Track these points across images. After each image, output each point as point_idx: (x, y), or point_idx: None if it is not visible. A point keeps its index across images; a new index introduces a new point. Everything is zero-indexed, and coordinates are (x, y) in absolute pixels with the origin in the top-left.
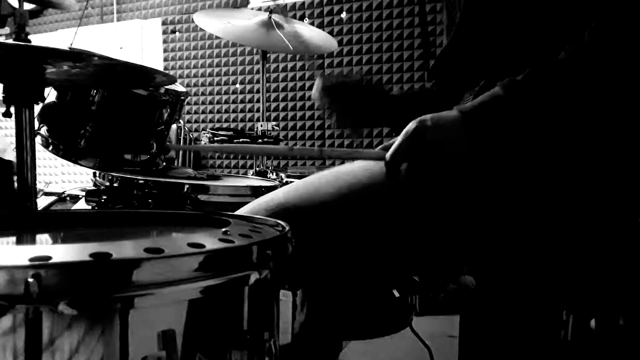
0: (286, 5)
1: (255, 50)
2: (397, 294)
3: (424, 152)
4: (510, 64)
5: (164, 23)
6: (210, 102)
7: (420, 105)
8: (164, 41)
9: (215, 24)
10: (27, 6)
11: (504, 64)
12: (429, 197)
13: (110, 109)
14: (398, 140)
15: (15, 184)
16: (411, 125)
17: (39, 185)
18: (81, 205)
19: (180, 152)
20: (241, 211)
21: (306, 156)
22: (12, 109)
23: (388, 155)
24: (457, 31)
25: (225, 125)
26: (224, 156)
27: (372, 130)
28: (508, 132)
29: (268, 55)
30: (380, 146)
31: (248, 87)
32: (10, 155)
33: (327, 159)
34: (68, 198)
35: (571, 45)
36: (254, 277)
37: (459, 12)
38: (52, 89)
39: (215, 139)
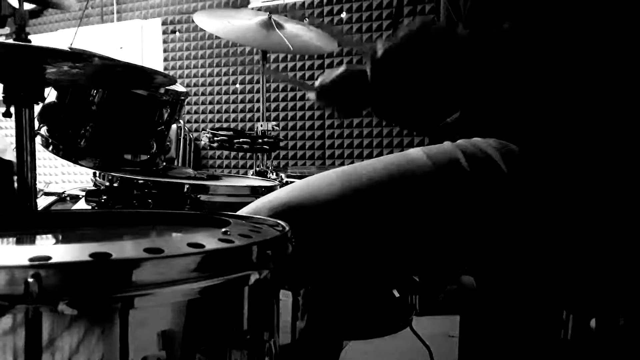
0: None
1: (255, 50)
2: (397, 294)
3: (427, 49)
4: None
5: (164, 23)
6: (210, 102)
7: None
8: (164, 41)
9: (215, 24)
10: (27, 6)
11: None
12: (430, 197)
13: (110, 109)
14: (401, 31)
15: (15, 184)
16: (415, 22)
17: (39, 185)
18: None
19: (180, 152)
20: (243, 211)
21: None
22: (12, 109)
23: (385, 46)
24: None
25: (225, 125)
26: (224, 156)
27: (372, 131)
28: (510, 67)
29: (268, 55)
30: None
31: (248, 87)
32: (10, 155)
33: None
34: (68, 198)
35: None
36: (254, 277)
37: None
38: (52, 89)
39: (215, 138)
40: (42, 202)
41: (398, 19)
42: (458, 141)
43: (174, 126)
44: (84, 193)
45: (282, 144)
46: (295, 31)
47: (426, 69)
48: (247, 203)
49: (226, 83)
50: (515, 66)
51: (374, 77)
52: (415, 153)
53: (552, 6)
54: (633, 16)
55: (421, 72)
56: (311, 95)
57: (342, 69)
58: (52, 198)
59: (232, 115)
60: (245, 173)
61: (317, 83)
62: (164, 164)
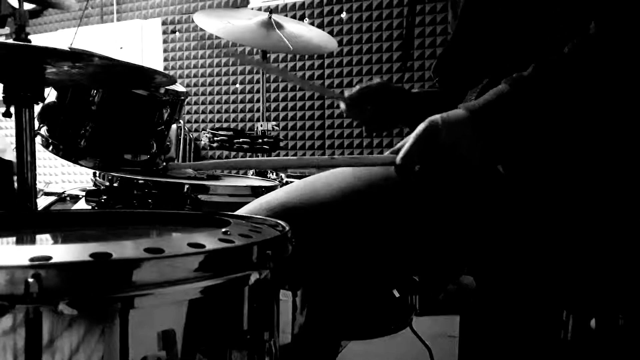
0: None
1: (255, 50)
2: (397, 294)
3: (436, 154)
4: (513, 61)
5: (164, 23)
6: (210, 102)
7: (431, 103)
8: (164, 41)
9: (215, 24)
10: (27, 6)
11: (507, 61)
12: (430, 197)
13: (110, 109)
14: (409, 142)
15: (15, 184)
16: (421, 127)
17: (39, 185)
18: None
19: (180, 152)
20: (242, 211)
21: (316, 164)
22: (12, 109)
23: (399, 158)
24: (458, 29)
25: (225, 125)
26: (224, 156)
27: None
28: (516, 130)
29: (268, 55)
30: (389, 150)
31: (248, 87)
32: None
33: (336, 166)
34: (68, 198)
35: (576, 38)
36: (254, 277)
37: (460, 10)
38: (52, 89)
39: (215, 138)
40: (42, 202)
41: (409, 46)
42: None
43: (174, 126)
44: (84, 193)
45: (282, 144)
46: (295, 31)
47: (440, 168)
48: (247, 203)
49: (226, 83)
50: (522, 123)
51: (403, 177)
52: None
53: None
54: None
55: (437, 170)
56: (342, 105)
57: (375, 81)
58: (52, 198)
59: (232, 115)
60: (245, 173)
61: (347, 92)
62: (164, 164)
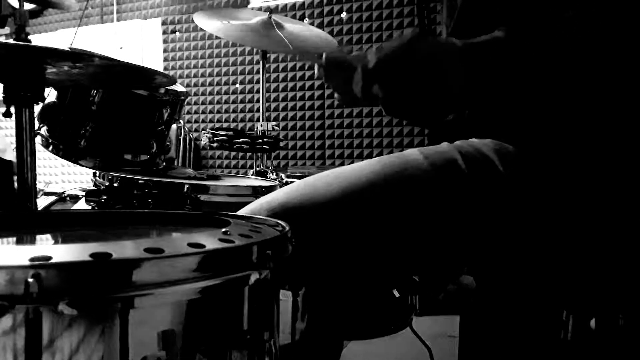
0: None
1: (255, 50)
2: (397, 294)
3: (419, 64)
4: None
5: (164, 23)
6: (210, 102)
7: None
8: (164, 41)
9: (215, 24)
10: (27, 6)
11: None
12: (427, 197)
13: (110, 109)
14: (390, 44)
15: (15, 184)
16: (407, 34)
17: (39, 185)
18: (81, 205)
19: (180, 152)
20: (242, 211)
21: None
22: (12, 109)
23: (375, 57)
24: (454, 30)
25: (225, 125)
26: (224, 156)
27: (372, 131)
28: (503, 73)
29: (268, 55)
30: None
31: (248, 87)
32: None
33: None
34: (68, 198)
35: (579, 5)
36: (254, 277)
37: (457, 12)
38: (52, 89)
39: (215, 138)
40: (42, 202)
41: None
42: (456, 142)
43: (174, 126)
44: (84, 193)
45: (282, 144)
46: (295, 31)
47: (415, 81)
48: (247, 203)
49: (226, 83)
50: (510, 72)
51: (364, 88)
52: (413, 154)
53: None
54: (631, 15)
55: (411, 84)
56: (316, 69)
57: (354, 53)
58: (52, 198)
59: (232, 115)
60: (245, 173)
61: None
62: (164, 164)
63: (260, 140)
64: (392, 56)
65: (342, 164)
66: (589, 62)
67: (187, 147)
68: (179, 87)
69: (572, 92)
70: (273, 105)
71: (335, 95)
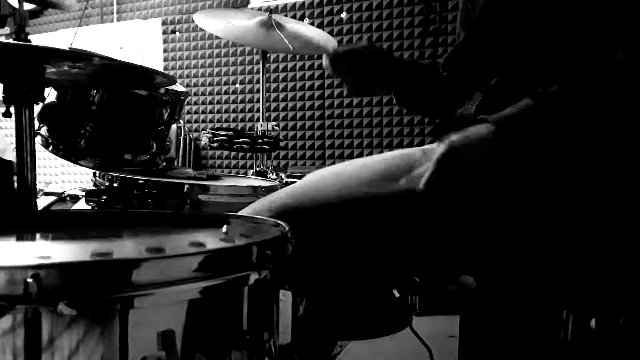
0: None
1: (255, 50)
2: (397, 294)
3: (464, 177)
4: (525, 64)
5: (164, 23)
6: (210, 102)
7: (426, 79)
8: (164, 41)
9: (215, 24)
10: (27, 6)
11: (519, 63)
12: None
13: (110, 109)
14: (430, 169)
15: (15, 184)
16: (441, 150)
17: (39, 185)
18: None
19: (180, 152)
20: (244, 212)
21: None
22: (12, 109)
23: (422, 187)
24: (474, 26)
25: (225, 125)
26: (224, 156)
27: (372, 131)
28: (540, 146)
29: (268, 55)
30: (406, 177)
31: (248, 87)
32: (10, 155)
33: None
34: (68, 198)
35: (602, 62)
36: (253, 277)
37: (479, 8)
38: (52, 89)
39: (215, 138)
40: (42, 202)
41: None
42: None
43: (174, 126)
44: (84, 193)
45: (282, 144)
46: (295, 31)
47: (470, 194)
48: (248, 203)
49: (226, 83)
50: (546, 141)
51: (421, 211)
52: (414, 153)
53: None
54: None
55: (467, 199)
56: (324, 61)
57: (363, 43)
58: (52, 198)
59: (232, 115)
60: (245, 173)
61: (333, 51)
62: (164, 164)
63: (260, 140)
64: (437, 182)
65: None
66: (616, 114)
67: (187, 147)
68: (179, 87)
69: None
70: (273, 105)
71: (345, 88)
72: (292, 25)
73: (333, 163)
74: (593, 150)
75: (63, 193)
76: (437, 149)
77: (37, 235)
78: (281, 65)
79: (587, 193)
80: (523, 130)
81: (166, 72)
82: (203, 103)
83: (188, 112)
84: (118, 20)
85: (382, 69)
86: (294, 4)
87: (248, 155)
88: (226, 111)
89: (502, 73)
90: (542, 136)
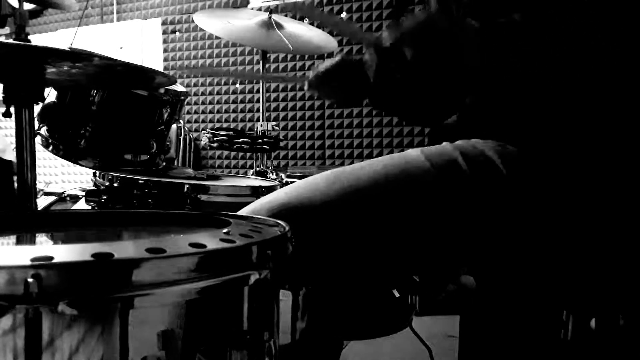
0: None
1: (255, 50)
2: (397, 294)
3: (435, 38)
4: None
5: (164, 23)
6: (210, 102)
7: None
8: (164, 41)
9: (215, 24)
10: (27, 6)
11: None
12: (428, 198)
13: (110, 109)
14: (407, 20)
15: (15, 184)
16: (421, 14)
17: (39, 185)
18: (81, 205)
19: (180, 152)
20: (243, 211)
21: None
22: (12, 109)
23: (388, 36)
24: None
25: (225, 125)
26: (224, 156)
27: (372, 131)
28: (517, 58)
29: (268, 55)
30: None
31: (248, 87)
32: (10, 155)
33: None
34: (68, 198)
35: None
36: (253, 277)
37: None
38: (52, 89)
39: (215, 138)
40: (42, 202)
41: (402, 7)
42: (457, 142)
43: (174, 126)
44: (84, 193)
45: (282, 144)
46: (295, 31)
47: (434, 60)
48: (247, 203)
49: (226, 83)
50: (521, 58)
51: (379, 68)
52: (414, 154)
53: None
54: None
55: (429, 63)
56: (304, 84)
57: (337, 58)
58: (52, 198)
59: (232, 115)
60: (245, 173)
61: (311, 73)
62: (164, 164)
63: (260, 140)
64: (410, 33)
65: (342, 164)
66: (595, 63)
67: (187, 147)
68: (179, 87)
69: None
70: (273, 105)
71: (330, 101)
72: (292, 25)
73: (333, 163)
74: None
75: (63, 193)
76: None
77: (38, 235)
78: (281, 65)
79: (587, 192)
80: (505, 35)
81: (166, 72)
82: (203, 103)
83: (188, 112)
84: (118, 20)
85: (364, 77)
86: (294, 4)
87: (248, 155)
88: (226, 111)
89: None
90: (521, 46)
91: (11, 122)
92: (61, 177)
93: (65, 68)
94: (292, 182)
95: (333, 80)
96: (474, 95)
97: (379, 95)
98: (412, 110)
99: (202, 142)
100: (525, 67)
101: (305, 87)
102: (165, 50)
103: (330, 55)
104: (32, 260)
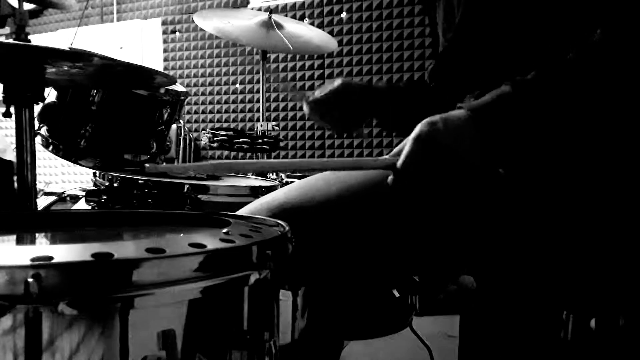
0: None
1: (255, 50)
2: (397, 294)
3: (438, 157)
4: (513, 66)
5: (164, 23)
6: (210, 102)
7: (409, 99)
8: (164, 41)
9: (215, 24)
10: (27, 6)
11: (507, 66)
12: (429, 197)
13: (110, 109)
14: (408, 146)
15: (15, 184)
16: (422, 129)
17: (39, 185)
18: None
19: (181, 152)
20: (242, 211)
21: (308, 168)
22: (12, 109)
23: (400, 163)
24: (457, 31)
25: (225, 125)
26: (224, 156)
27: (372, 131)
28: (518, 132)
29: (268, 55)
30: (389, 153)
31: (248, 87)
32: (10, 155)
33: (331, 169)
34: (68, 198)
35: (580, 45)
36: (253, 277)
37: (459, 12)
38: (52, 89)
39: (215, 138)
40: (42, 202)
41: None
42: None
43: (174, 126)
44: (84, 193)
45: (282, 144)
46: (295, 31)
47: (440, 175)
48: (247, 203)
49: (226, 83)
50: (525, 125)
51: (396, 185)
52: None
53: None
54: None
55: (436, 179)
56: (305, 108)
57: (337, 82)
58: (52, 198)
59: (232, 115)
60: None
61: (311, 95)
62: (164, 164)
63: (260, 140)
64: (415, 159)
65: None
66: (596, 93)
67: (187, 147)
68: (179, 87)
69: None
70: (273, 105)
71: (329, 128)
72: (292, 25)
73: None
74: (583, 143)
75: (63, 193)
76: (416, 128)
77: (38, 235)
78: (281, 65)
79: (586, 192)
80: (499, 116)
81: (166, 72)
82: (203, 103)
83: (188, 112)
84: (118, 20)
85: (364, 103)
86: (294, 4)
87: (248, 155)
88: (226, 111)
89: (491, 77)
90: (519, 122)
91: (11, 122)
92: (61, 177)
93: (65, 68)
94: (292, 182)
95: (332, 104)
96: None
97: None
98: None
99: (202, 142)
100: (528, 132)
101: (305, 110)
102: (165, 50)
103: (330, 54)
104: (32, 260)
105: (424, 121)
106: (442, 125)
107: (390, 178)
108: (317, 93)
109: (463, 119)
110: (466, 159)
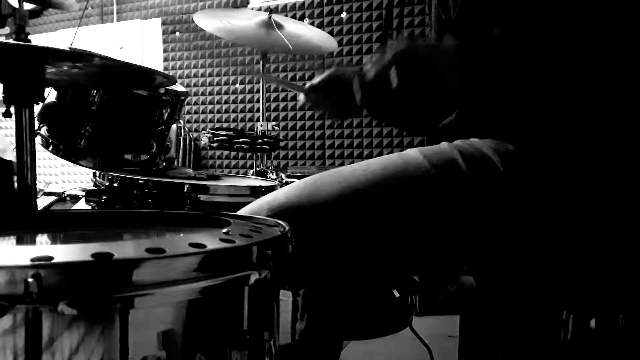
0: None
1: (255, 50)
2: (397, 294)
3: (414, 68)
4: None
5: (164, 23)
6: (210, 102)
7: None
8: (164, 41)
9: (215, 24)
10: (27, 6)
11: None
12: (427, 197)
13: (110, 109)
14: (386, 57)
15: (15, 184)
16: (402, 44)
17: (39, 185)
18: (81, 205)
19: (180, 152)
20: (243, 211)
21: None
22: (12, 109)
23: (372, 69)
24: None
25: (225, 125)
26: (224, 156)
27: (372, 131)
28: (500, 71)
29: (268, 55)
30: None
31: (248, 87)
32: (10, 155)
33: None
34: (68, 198)
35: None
36: (254, 277)
37: (455, 12)
38: (52, 89)
39: (215, 138)
40: (42, 202)
41: (388, 27)
42: (455, 142)
43: (174, 126)
44: (84, 193)
45: (282, 144)
46: (295, 31)
47: (415, 88)
48: (247, 203)
49: (226, 83)
50: (507, 70)
51: (364, 97)
52: (413, 154)
53: (543, 6)
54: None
55: (410, 92)
56: (300, 96)
57: (331, 69)
58: (52, 198)
59: (232, 115)
60: (245, 173)
61: (307, 84)
62: (164, 164)
63: (260, 140)
64: (388, 65)
65: (342, 164)
66: (586, 62)
67: (187, 147)
68: (179, 87)
69: (570, 90)
70: (273, 105)
71: (326, 115)
72: (292, 25)
73: (333, 163)
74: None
75: (63, 193)
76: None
77: (38, 235)
78: (281, 66)
79: (586, 191)
80: (483, 50)
81: (166, 72)
82: (203, 103)
83: (188, 112)
84: (118, 20)
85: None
86: (294, 4)
87: (248, 155)
88: (226, 111)
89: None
90: (504, 60)
91: (11, 122)
92: (61, 177)
93: (65, 68)
94: (292, 182)
95: (327, 91)
96: (463, 105)
97: (369, 113)
98: (403, 124)
99: (202, 142)
100: (511, 77)
101: (301, 99)
102: (165, 50)
103: (330, 54)
104: (32, 260)
105: (407, 39)
106: (426, 45)
107: (355, 84)
108: (316, 80)
109: (448, 45)
110: (443, 79)
